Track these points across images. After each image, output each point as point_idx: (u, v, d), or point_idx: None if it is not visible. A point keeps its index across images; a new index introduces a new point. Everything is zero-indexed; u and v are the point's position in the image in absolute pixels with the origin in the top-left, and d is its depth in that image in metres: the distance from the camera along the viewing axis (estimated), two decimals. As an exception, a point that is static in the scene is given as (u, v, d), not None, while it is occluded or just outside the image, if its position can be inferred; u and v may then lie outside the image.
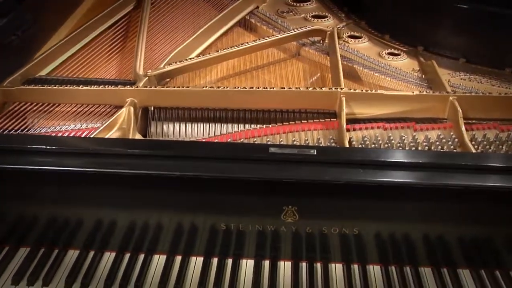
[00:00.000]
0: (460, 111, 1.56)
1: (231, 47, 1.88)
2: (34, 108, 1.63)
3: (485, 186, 1.25)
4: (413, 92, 1.62)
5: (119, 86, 1.62)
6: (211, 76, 1.87)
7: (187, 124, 1.64)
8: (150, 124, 1.62)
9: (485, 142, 1.51)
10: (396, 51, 2.03)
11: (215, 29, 2.07)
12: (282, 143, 1.50)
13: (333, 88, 1.62)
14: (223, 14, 2.11)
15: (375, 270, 1.39)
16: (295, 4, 2.39)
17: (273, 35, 1.99)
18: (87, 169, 1.28)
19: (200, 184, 1.28)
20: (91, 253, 1.41)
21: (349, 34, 2.13)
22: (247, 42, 1.92)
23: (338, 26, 2.10)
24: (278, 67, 1.95)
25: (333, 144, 1.49)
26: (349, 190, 1.28)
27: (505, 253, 1.36)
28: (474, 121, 1.63)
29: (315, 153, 1.30)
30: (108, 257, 1.41)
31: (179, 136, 1.60)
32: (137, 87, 1.63)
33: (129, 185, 1.30)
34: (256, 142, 1.50)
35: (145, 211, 1.34)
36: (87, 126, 1.57)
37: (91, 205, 1.35)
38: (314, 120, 1.62)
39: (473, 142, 1.50)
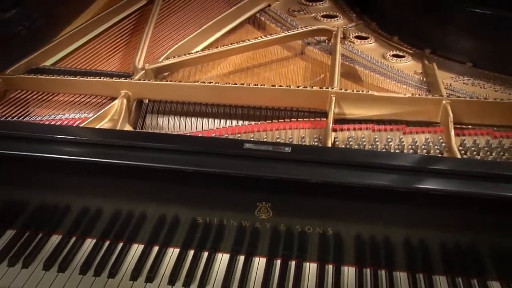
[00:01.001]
0: (451, 115, 1.54)
1: (231, 44, 1.89)
2: (34, 97, 1.68)
3: (459, 192, 1.23)
4: (405, 95, 1.60)
5: (113, 78, 1.66)
6: (212, 71, 1.89)
7: (180, 118, 1.66)
8: (144, 116, 1.65)
9: (473, 148, 1.48)
10: (401, 53, 2.01)
11: (221, 26, 2.08)
12: (265, 140, 1.51)
13: (324, 88, 1.62)
14: (231, 11, 2.13)
15: (349, 272, 1.38)
16: (307, 3, 2.39)
17: (277, 33, 1.99)
18: (69, 157, 1.32)
19: (174, 176, 1.30)
20: (73, 239, 1.44)
21: (356, 34, 2.12)
22: (248, 39, 1.92)
23: (345, 26, 2.09)
24: (280, 65, 1.95)
25: (317, 143, 1.48)
26: (321, 190, 1.28)
27: (483, 262, 1.33)
28: (469, 126, 1.60)
29: (289, 151, 1.30)
30: (89, 244, 1.44)
31: (173, 129, 1.63)
32: (132, 79, 1.66)
33: (107, 174, 1.34)
34: (240, 138, 1.51)
35: (123, 201, 1.38)
36: (80, 116, 1.61)
37: (74, 192, 1.39)
38: (304, 119, 1.62)
39: (461, 147, 1.47)
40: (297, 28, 2.05)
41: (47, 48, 1.81)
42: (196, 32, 1.96)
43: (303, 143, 1.49)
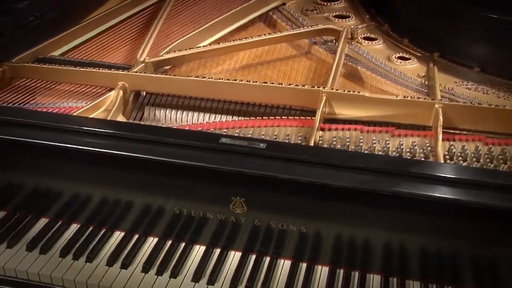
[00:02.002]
0: (441, 119, 1.51)
1: (235, 40, 1.91)
2: (38, 85, 1.75)
3: (430, 197, 1.22)
4: (396, 97, 1.59)
5: (112, 70, 1.70)
6: (216, 67, 1.91)
7: (177, 111, 1.69)
8: (139, 108, 1.69)
9: (460, 154, 1.45)
10: (407, 55, 1.98)
11: (230, 22, 2.10)
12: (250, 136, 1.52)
13: (316, 87, 1.62)
14: (242, 8, 2.15)
15: (322, 271, 1.38)
16: (323, 3, 2.39)
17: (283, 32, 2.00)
18: (56, 144, 1.38)
19: (150, 166, 1.34)
20: (59, 223, 1.50)
21: (364, 35, 2.10)
22: (252, 36, 1.94)
23: (353, 27, 2.07)
24: (284, 64, 1.95)
25: (300, 142, 1.48)
26: (294, 188, 1.29)
27: (457, 269, 1.31)
28: (464, 132, 1.57)
29: (264, 147, 1.32)
30: (74, 228, 1.49)
31: (170, 122, 1.66)
32: (129, 72, 1.70)
33: (90, 162, 1.38)
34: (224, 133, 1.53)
35: (105, 189, 1.42)
36: (79, 105, 1.66)
37: (60, 178, 1.45)
38: (295, 117, 1.62)
39: (447, 153, 1.45)
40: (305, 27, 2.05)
41: (55, 39, 1.87)
42: (201, 28, 1.99)
43: (287, 141, 1.49)
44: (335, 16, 2.26)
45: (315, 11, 2.32)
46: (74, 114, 1.54)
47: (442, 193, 1.20)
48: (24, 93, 1.71)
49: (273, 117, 1.62)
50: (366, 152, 1.44)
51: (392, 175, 1.25)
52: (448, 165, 1.36)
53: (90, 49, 1.94)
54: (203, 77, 1.67)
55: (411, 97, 1.59)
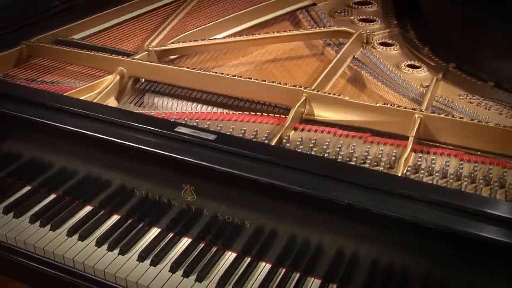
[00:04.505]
0: (415, 129, 1.46)
1: (240, 36, 1.95)
2: (50, 64, 1.89)
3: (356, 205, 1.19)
4: (376, 103, 1.55)
5: (113, 54, 1.80)
6: (224, 61, 1.96)
7: (173, 99, 1.76)
8: (137, 93, 1.78)
9: (425, 167, 1.39)
10: (417, 64, 1.92)
11: (248, 19, 2.14)
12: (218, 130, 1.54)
13: (297, 86, 1.62)
14: (263, 5, 2.18)
15: (264, 268, 1.38)
16: (355, 6, 2.36)
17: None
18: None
19: (109, 146, 1.41)
20: (42, 191, 1.62)
21: (381, 41, 2.06)
22: (259, 33, 1.97)
23: (369, 31, 2.03)
24: (293, 63, 1.96)
25: (265, 139, 1.49)
26: (239, 182, 1.31)
27: (400, 282, 1.27)
28: (443, 145, 1.50)
29: (213, 139, 1.35)
30: (52, 198, 1.61)
31: (167, 109, 1.72)
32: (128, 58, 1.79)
33: (61, 138, 1.49)
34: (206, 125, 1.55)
35: (75, 164, 1.52)
36: (79, 85, 1.77)
37: (42, 151, 1.57)
38: (275, 115, 1.63)
39: (410, 165, 1.40)
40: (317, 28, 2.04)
41: (76, 24, 2.00)
42: (214, 22, 2.03)
43: (254, 137, 1.51)
44: (361, 20, 2.23)
45: (343, 13, 2.29)
46: (67, 93, 1.65)
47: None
48: (35, 70, 1.85)
49: (253, 113, 1.63)
50: (318, 154, 1.42)
51: (330, 179, 1.23)
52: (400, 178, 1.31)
53: (110, 36, 2.06)
54: (193, 69, 1.71)
55: (390, 105, 1.55)
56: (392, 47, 2.03)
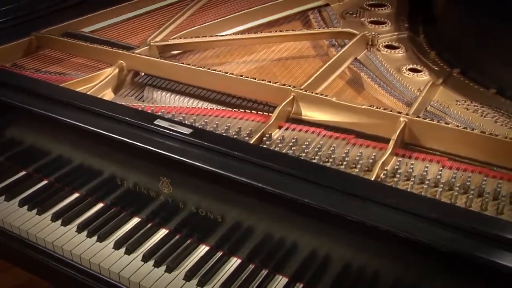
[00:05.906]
0: (397, 133, 1.44)
1: (241, 34, 1.96)
2: (57, 56, 1.96)
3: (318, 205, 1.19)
4: (362, 105, 1.53)
5: (113, 48, 1.85)
6: (227, 59, 1.97)
7: (171, 94, 1.79)
8: (135, 86, 1.82)
9: (400, 172, 1.37)
10: (419, 67, 1.88)
11: (255, 17, 2.15)
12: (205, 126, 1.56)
13: (286, 85, 1.62)
14: (271, 4, 2.19)
15: (234, 264, 1.39)
16: (368, 8, 2.34)
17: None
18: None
19: (88, 135, 1.46)
20: (35, 177, 1.68)
21: (387, 43, 2.03)
22: (260, 31, 1.98)
23: (374, 33, 2.00)
24: (295, 63, 1.95)
25: (246, 137, 1.50)
26: (211, 176, 1.32)
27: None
28: (430, 151, 1.47)
29: (188, 133, 1.37)
30: (44, 183, 1.67)
31: (165, 104, 1.75)
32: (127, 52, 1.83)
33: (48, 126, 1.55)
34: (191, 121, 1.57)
35: (63, 151, 1.57)
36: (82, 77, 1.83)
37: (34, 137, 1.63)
38: (264, 113, 1.64)
39: (385, 169, 1.38)
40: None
41: (85, 18, 2.06)
42: (220, 19, 2.06)
43: (236, 133, 1.52)
44: (371, 22, 2.21)
45: (354, 15, 2.28)
46: (64, 84, 1.71)
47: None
48: (42, 61, 1.92)
49: (243, 110, 1.64)
50: (295, 154, 1.42)
51: (293, 177, 1.24)
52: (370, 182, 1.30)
53: (118, 30, 2.11)
54: (187, 64, 1.74)
55: (377, 107, 1.53)
56: (397, 50, 2.00)
